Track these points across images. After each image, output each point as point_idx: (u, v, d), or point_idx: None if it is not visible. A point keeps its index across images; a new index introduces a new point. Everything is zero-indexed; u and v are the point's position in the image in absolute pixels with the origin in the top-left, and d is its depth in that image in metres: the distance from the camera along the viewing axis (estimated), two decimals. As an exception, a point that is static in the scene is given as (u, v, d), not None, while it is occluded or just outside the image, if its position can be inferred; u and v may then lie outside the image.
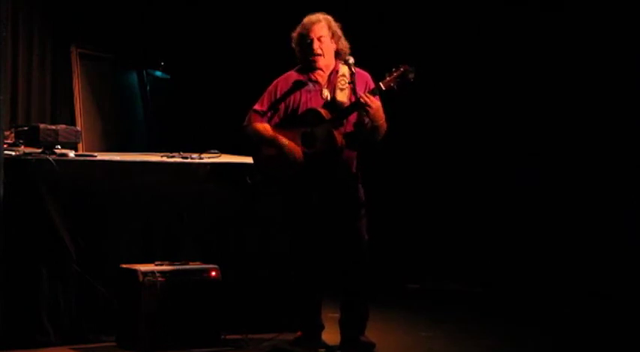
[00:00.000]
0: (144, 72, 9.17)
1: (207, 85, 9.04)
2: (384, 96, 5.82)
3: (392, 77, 5.75)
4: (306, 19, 5.94)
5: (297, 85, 5.93)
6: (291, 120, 5.90)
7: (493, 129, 8.55)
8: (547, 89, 8.34)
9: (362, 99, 5.69)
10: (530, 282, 8.12)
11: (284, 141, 5.85)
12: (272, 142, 5.88)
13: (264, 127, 5.92)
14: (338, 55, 5.92)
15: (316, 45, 5.87)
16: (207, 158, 6.49)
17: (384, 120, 5.80)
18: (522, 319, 7.29)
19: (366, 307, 5.97)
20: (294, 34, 5.96)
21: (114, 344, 5.95)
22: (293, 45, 5.97)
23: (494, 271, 8.35)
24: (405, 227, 8.69)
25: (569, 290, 7.90)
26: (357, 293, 5.92)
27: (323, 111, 5.83)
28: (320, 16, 5.93)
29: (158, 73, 9.16)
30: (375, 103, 5.71)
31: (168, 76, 9.17)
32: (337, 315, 6.03)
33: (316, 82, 5.93)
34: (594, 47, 8.06)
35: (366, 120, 5.76)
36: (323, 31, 5.88)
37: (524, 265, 8.25)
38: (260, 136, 5.92)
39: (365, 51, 5.98)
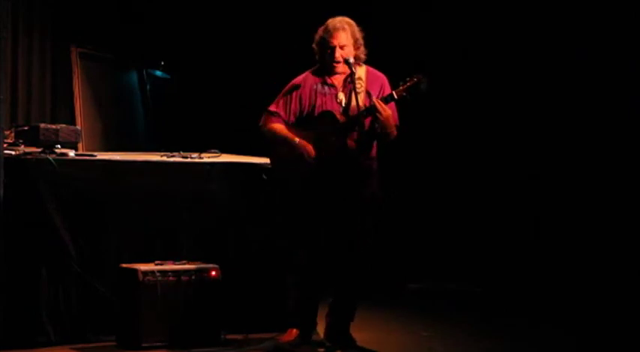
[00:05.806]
0: (144, 72, 9.16)
1: (207, 85, 9.03)
2: (399, 103, 5.82)
3: (405, 86, 5.75)
4: (331, 24, 5.86)
5: (311, 87, 5.92)
6: (306, 122, 5.91)
7: (492, 129, 8.55)
8: (547, 90, 8.35)
9: (374, 105, 5.70)
10: (530, 282, 8.12)
11: (297, 140, 5.86)
12: (286, 141, 5.88)
13: (279, 127, 5.92)
14: (355, 60, 5.87)
15: (338, 53, 5.83)
16: (207, 158, 6.49)
17: (394, 128, 5.82)
18: (522, 319, 7.28)
19: (355, 307, 5.96)
20: (317, 36, 5.91)
21: (114, 344, 5.94)
22: (314, 45, 5.93)
23: (495, 271, 8.35)
24: (406, 227, 8.69)
25: (569, 290, 7.89)
26: (348, 292, 5.92)
27: (338, 115, 5.84)
28: (345, 24, 5.85)
29: (158, 73, 9.15)
30: (386, 111, 5.72)
31: (169, 76, 9.16)
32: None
33: (332, 85, 5.93)
34: (600, 38, 8.06)
35: (376, 125, 5.76)
36: (347, 40, 5.83)
37: (525, 265, 8.25)
38: (275, 136, 5.93)
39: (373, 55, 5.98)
